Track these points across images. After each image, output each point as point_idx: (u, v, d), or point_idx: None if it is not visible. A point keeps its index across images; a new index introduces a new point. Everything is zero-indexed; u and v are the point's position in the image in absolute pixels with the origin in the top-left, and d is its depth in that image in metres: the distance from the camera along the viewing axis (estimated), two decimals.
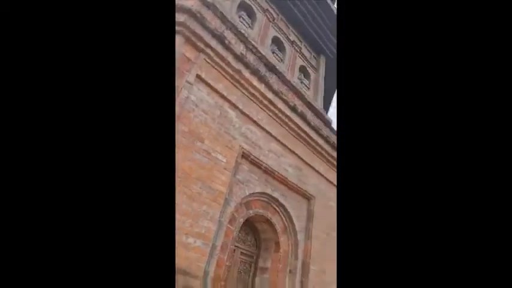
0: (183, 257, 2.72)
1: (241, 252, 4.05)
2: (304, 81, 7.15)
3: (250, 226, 4.24)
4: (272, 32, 6.78)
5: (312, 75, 7.55)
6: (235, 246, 3.95)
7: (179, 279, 2.68)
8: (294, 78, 6.68)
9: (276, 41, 6.90)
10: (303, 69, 7.35)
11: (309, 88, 7.19)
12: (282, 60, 6.68)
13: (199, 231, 2.96)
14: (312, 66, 7.68)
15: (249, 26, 6.06)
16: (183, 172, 2.97)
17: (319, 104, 6.95)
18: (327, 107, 9.32)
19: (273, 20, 6.82)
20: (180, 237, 2.76)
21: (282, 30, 7.07)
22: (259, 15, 6.45)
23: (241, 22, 5.73)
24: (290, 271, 4.01)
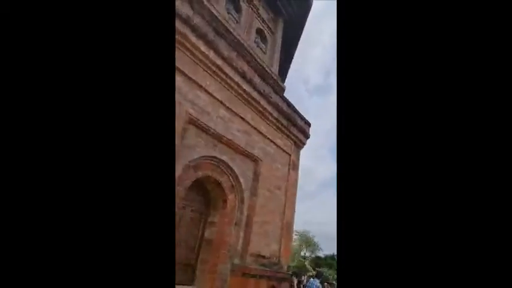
0: None
1: (191, 210, 4.43)
2: (260, 45, 7.12)
3: (200, 186, 4.57)
4: None
5: (269, 39, 7.51)
6: (185, 204, 4.29)
7: None
8: (250, 41, 6.63)
9: (232, 0, 6.60)
10: (260, 32, 7.25)
11: (265, 52, 7.21)
12: (237, 21, 6.50)
13: None
14: (269, 28, 7.58)
15: None
16: None
17: (274, 69, 7.08)
18: (284, 72, 9.49)
19: None
20: None
21: None
22: None
23: None
24: (236, 224, 4.53)
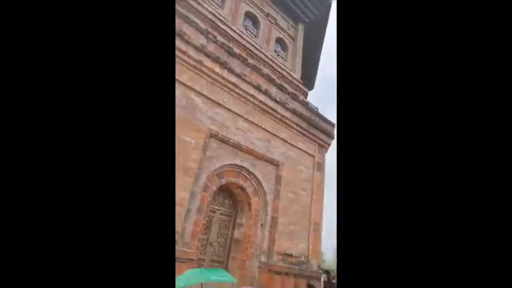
0: None
1: (221, 213, 4.97)
2: (281, 54, 7.44)
3: (228, 192, 5.09)
4: (244, 7, 6.94)
5: (290, 46, 7.78)
6: (215, 208, 4.86)
7: None
8: (270, 52, 7.00)
9: (250, 16, 7.08)
10: (280, 41, 7.58)
11: (286, 60, 7.50)
12: (256, 35, 6.95)
13: (176, 200, 3.80)
14: (289, 36, 7.84)
15: (220, 6, 6.31)
16: None
17: (296, 75, 7.30)
18: (312, 75, 9.57)
19: None
20: None
21: (256, 4, 7.20)
22: None
23: (211, 5, 5.99)
24: (261, 225, 4.92)
